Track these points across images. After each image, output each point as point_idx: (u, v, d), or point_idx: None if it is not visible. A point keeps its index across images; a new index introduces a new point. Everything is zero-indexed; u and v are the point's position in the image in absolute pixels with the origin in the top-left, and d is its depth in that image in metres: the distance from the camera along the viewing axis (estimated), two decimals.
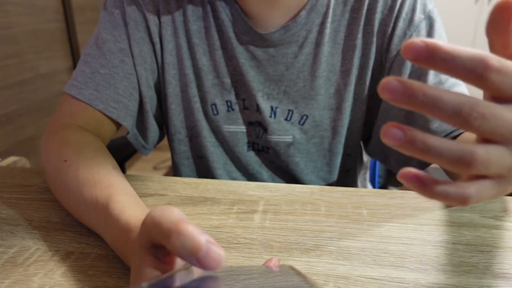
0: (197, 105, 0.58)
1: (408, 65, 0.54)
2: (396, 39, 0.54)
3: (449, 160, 0.20)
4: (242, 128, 0.60)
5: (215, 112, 0.59)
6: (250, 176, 0.64)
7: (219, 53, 0.55)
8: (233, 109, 0.58)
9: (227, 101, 0.58)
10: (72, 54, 1.66)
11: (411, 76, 0.54)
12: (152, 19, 0.53)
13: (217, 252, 0.21)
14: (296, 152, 0.61)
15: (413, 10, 0.53)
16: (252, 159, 0.62)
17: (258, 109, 0.58)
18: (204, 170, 0.64)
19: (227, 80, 0.57)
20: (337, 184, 0.65)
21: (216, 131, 0.60)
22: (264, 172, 0.63)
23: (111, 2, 0.53)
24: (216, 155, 0.62)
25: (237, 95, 0.58)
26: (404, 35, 0.54)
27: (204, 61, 0.56)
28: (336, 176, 0.64)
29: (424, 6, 0.54)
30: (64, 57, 1.62)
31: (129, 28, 0.53)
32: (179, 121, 0.60)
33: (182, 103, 0.59)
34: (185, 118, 0.60)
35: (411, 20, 0.53)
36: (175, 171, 0.66)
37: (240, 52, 0.55)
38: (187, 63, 0.56)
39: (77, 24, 1.66)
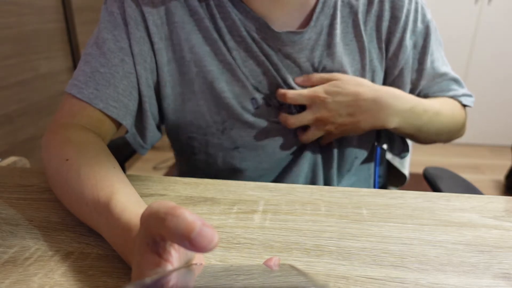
0: (227, 99, 0.57)
1: (409, 74, 0.61)
2: (404, 49, 0.58)
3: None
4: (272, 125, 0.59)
5: (255, 105, 0.58)
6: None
7: (234, 54, 0.55)
8: (258, 107, 0.58)
9: (251, 99, 0.57)
10: (72, 54, 1.66)
11: (412, 79, 0.63)
12: (152, 19, 0.53)
13: (210, 232, 0.21)
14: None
15: (415, 21, 0.58)
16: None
17: (280, 106, 0.58)
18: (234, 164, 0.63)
19: (251, 80, 0.56)
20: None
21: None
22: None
23: (112, 1, 0.53)
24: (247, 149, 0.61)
25: (260, 92, 0.57)
26: (408, 45, 0.58)
27: (233, 58, 0.55)
28: (344, 174, 0.65)
29: (424, 16, 0.59)
30: (64, 57, 1.62)
31: (129, 27, 0.52)
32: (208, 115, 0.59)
33: (210, 98, 0.57)
34: (214, 113, 0.58)
35: (413, 30, 0.58)
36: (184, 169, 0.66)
37: (257, 51, 0.55)
38: (186, 63, 0.56)
39: (77, 24, 1.66)
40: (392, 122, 0.56)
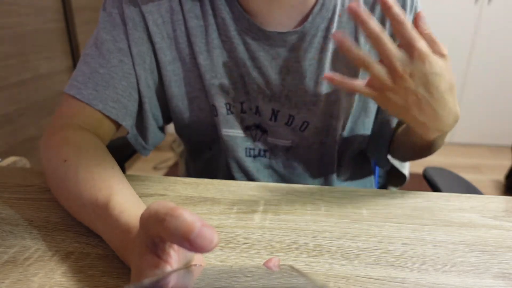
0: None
1: None
2: None
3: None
4: (239, 133, 0.59)
5: (214, 113, 0.58)
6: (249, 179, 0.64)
7: (217, 52, 0.54)
8: (231, 112, 0.58)
9: (226, 104, 0.57)
10: (72, 54, 1.66)
11: None
12: (151, 19, 0.53)
13: (210, 232, 0.21)
14: (295, 156, 0.60)
15: (410, 14, 0.57)
16: (250, 164, 0.61)
17: (257, 111, 0.57)
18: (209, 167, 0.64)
19: (225, 81, 0.56)
20: None
21: (217, 133, 0.60)
22: (262, 178, 0.63)
23: (110, 2, 0.53)
24: (217, 155, 0.62)
25: (235, 98, 0.57)
26: None
27: (201, 59, 0.55)
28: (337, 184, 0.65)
29: (415, 9, 0.57)
30: (64, 57, 1.62)
31: (127, 28, 0.52)
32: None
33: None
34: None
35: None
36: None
37: (242, 52, 0.54)
38: (188, 60, 0.56)
39: (77, 24, 1.66)
40: (452, 126, 0.47)
